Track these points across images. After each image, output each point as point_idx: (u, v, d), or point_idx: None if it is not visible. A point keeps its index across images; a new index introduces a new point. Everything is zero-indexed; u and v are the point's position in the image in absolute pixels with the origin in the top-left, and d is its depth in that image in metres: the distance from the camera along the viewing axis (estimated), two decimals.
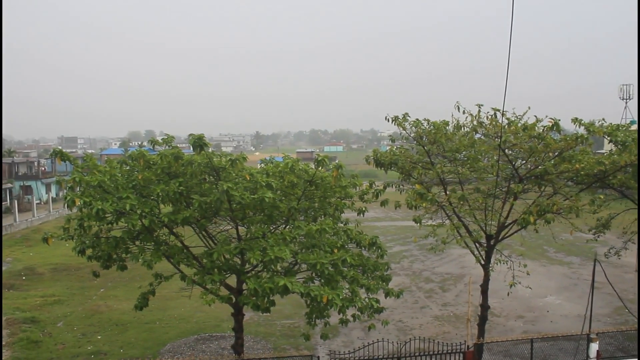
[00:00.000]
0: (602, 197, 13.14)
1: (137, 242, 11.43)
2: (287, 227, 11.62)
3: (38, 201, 53.25)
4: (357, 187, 12.60)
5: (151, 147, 12.18)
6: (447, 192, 13.97)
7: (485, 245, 14.15)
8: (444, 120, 13.76)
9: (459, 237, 13.36)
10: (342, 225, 12.46)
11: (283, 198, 11.77)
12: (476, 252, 13.66)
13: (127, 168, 11.78)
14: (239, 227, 11.68)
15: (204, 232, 12.09)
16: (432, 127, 13.69)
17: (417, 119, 13.76)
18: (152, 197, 10.74)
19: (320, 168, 11.19)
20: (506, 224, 13.74)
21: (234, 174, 11.04)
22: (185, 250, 11.56)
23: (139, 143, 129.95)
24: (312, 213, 12.68)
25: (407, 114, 13.69)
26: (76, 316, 19.86)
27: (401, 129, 13.89)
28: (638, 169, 12.15)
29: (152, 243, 11.29)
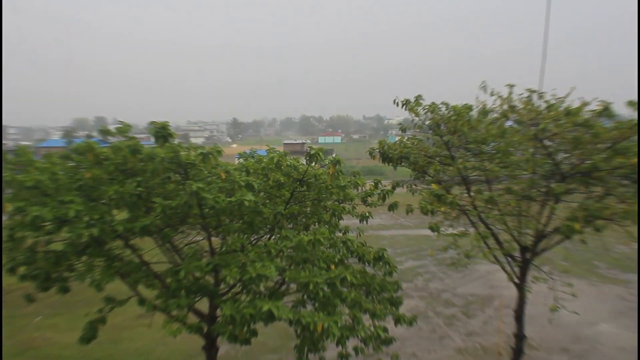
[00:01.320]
0: None
1: (84, 258, 11.34)
2: (272, 237, 11.72)
3: None
4: (359, 188, 12.66)
5: (102, 139, 11.95)
6: (472, 194, 14.06)
7: (519, 259, 14.23)
8: (466, 104, 13.85)
9: (487, 250, 13.43)
10: (341, 234, 12.45)
11: (267, 201, 11.87)
12: (508, 268, 13.78)
13: (72, 164, 11.64)
14: (212, 238, 11.70)
15: (168, 245, 12.11)
16: (452, 112, 13.80)
17: (434, 103, 13.88)
18: (102, 201, 10.70)
19: (313, 164, 11.29)
20: (546, 233, 13.83)
21: (205, 172, 11.01)
22: (144, 267, 11.56)
23: (87, 133, 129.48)
24: (304, 220, 12.67)
25: (420, 96, 13.84)
26: (5, 353, 19.63)
27: (413, 115, 13.99)
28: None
29: (103, 258, 11.25)
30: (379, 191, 12.89)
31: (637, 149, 12.69)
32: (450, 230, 14.13)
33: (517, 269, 14.18)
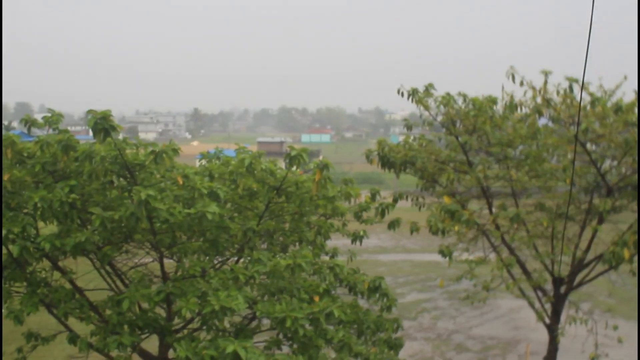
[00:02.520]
0: None
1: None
2: (241, 260, 11.82)
3: None
4: (352, 200, 12.72)
5: (26, 131, 11.95)
6: (493, 210, 14.18)
7: (552, 294, 14.23)
8: (489, 97, 13.96)
9: (511, 281, 13.50)
10: (328, 258, 12.39)
11: (235, 214, 12.03)
12: (538, 305, 13.88)
13: None
14: (165, 260, 11.52)
15: (108, 267, 12.06)
16: (471, 106, 13.88)
17: (448, 94, 14.02)
18: (25, 211, 10.66)
19: (294, 168, 11.29)
20: (586, 262, 13.87)
21: (158, 176, 10.99)
22: (77, 296, 11.44)
23: (6, 123, 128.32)
24: (281, 239, 12.79)
25: (431, 85, 13.99)
26: None
27: (422, 108, 14.12)
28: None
29: (24, 283, 11.15)
30: (376, 205, 12.95)
31: None
32: (465, 256, 14.28)
33: (548, 306, 14.21)
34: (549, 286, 14.28)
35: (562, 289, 14.25)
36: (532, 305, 14.00)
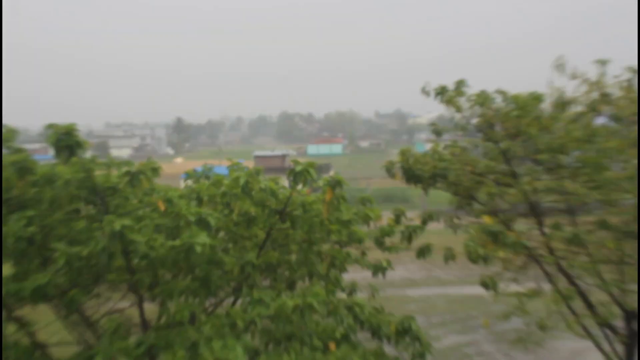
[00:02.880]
0: None
1: None
2: (239, 301, 11.84)
3: None
4: (372, 223, 12.84)
5: None
6: (545, 230, 14.03)
7: (623, 332, 14.15)
8: (534, 93, 14.09)
9: (572, 318, 13.48)
10: (345, 296, 12.60)
11: (230, 246, 12.17)
12: (607, 347, 13.72)
13: None
14: (146, 304, 11.62)
15: (76, 315, 11.89)
16: (512, 105, 13.98)
17: (484, 92, 14.17)
18: None
19: (300, 187, 11.41)
20: None
21: (135, 201, 11.13)
22: (38, 353, 11.32)
23: None
24: (287, 274, 12.75)
25: (463, 81, 14.26)
26: None
27: (453, 110, 14.39)
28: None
29: None
30: (402, 228, 13.12)
31: None
32: (513, 288, 14.14)
33: (620, 348, 14.06)
34: (619, 322, 14.15)
35: (636, 326, 14.07)
36: (599, 347, 13.89)
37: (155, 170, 10.58)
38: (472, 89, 14.27)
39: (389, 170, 15.56)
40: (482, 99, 13.98)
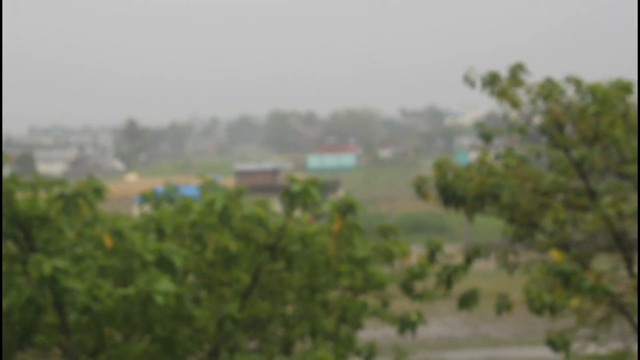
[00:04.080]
0: None
1: None
2: None
3: None
4: (397, 262, 12.38)
5: None
6: (635, 269, 13.61)
7: None
8: (620, 81, 13.67)
9: None
10: None
11: (204, 294, 11.54)
12: None
13: None
14: None
15: None
16: (588, 98, 13.54)
17: (550, 80, 13.67)
18: None
19: (297, 213, 11.02)
20: None
21: (71, 234, 10.42)
22: None
23: None
24: (281, 331, 12.17)
25: (520, 65, 13.79)
26: None
27: (508, 105, 13.94)
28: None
29: None
30: (437, 268, 12.76)
31: None
32: (592, 349, 13.71)
33: None
34: None
35: None
36: None
37: (99, 192, 10.02)
38: (534, 77, 13.64)
39: (420, 188, 14.83)
40: (548, 90, 13.32)
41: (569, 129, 13.69)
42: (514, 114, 14.14)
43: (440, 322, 42.04)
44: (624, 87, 13.55)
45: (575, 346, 13.12)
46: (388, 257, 12.01)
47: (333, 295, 12.18)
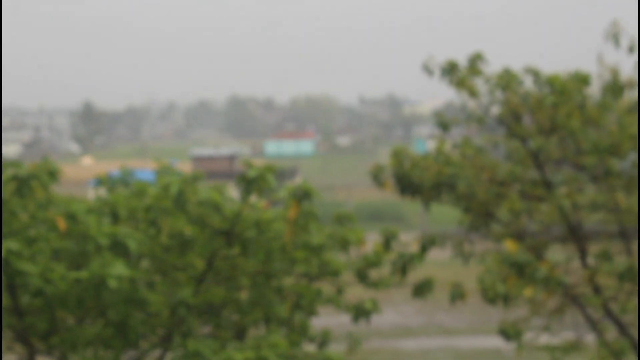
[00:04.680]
0: None
1: None
2: (169, 354, 11.29)
3: None
4: (352, 249, 12.54)
5: None
6: (590, 261, 13.60)
7: None
8: (578, 73, 13.69)
9: None
10: (314, 348, 12.42)
11: (158, 279, 11.37)
12: None
13: None
14: (40, 358, 11.22)
15: None
16: (546, 89, 13.64)
17: (508, 70, 13.77)
18: None
19: (253, 199, 11.07)
20: None
21: (24, 217, 10.37)
22: None
23: None
24: (235, 317, 12.17)
25: (479, 55, 13.92)
26: None
27: (466, 94, 13.99)
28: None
29: None
30: (393, 256, 12.87)
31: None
32: (544, 339, 13.68)
33: None
34: None
35: None
36: None
37: (54, 175, 10.03)
38: (493, 66, 13.77)
39: (377, 177, 14.85)
40: (506, 80, 13.45)
41: (526, 120, 13.83)
42: (472, 104, 14.24)
43: (395, 311, 42.39)
44: (582, 79, 13.63)
45: (528, 336, 13.26)
46: (344, 244, 12.16)
47: (288, 281, 12.19)
